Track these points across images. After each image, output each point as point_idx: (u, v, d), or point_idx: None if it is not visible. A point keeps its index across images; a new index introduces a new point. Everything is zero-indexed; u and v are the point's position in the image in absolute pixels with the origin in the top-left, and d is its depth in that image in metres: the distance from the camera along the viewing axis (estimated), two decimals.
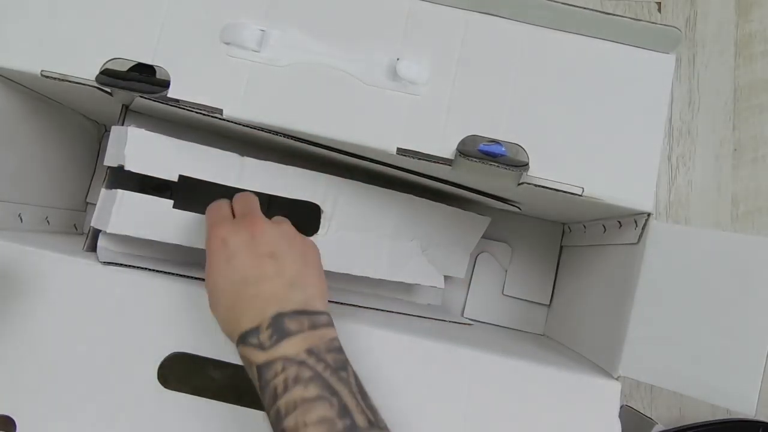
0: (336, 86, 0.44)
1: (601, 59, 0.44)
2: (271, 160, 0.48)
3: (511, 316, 0.64)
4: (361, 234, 0.52)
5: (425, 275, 0.56)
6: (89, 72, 0.43)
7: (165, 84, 0.43)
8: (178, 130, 0.50)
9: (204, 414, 0.40)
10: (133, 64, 0.43)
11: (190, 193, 0.47)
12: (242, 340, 0.34)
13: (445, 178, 0.49)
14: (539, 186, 0.43)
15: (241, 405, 0.40)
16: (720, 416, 0.66)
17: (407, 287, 0.62)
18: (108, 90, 0.43)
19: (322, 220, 0.50)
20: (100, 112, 0.57)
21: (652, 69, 0.44)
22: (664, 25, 0.42)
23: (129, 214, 0.45)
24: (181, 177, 0.46)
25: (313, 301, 0.36)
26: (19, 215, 0.51)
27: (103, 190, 0.47)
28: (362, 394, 0.33)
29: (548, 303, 0.61)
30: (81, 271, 0.42)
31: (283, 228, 0.40)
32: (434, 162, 0.43)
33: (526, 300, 0.64)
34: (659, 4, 0.85)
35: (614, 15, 0.43)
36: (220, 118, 0.44)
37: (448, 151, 0.43)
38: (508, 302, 0.64)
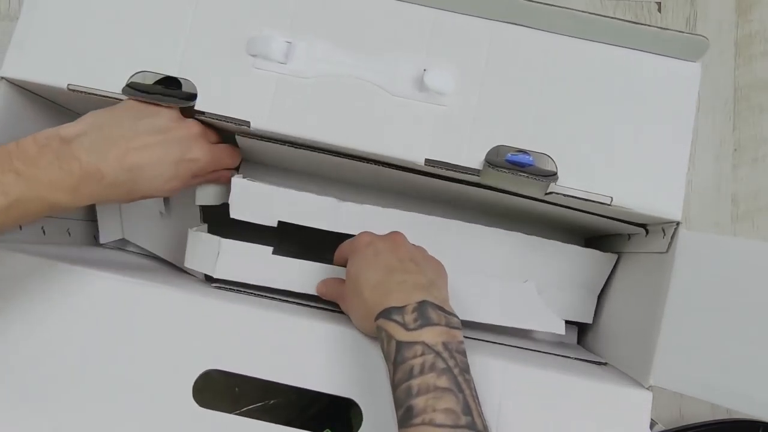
0: (363, 97, 0.43)
1: (627, 68, 0.44)
2: (373, 199, 0.50)
3: None
4: (464, 275, 0.49)
5: (543, 320, 0.51)
6: (115, 85, 0.43)
7: (191, 97, 0.43)
8: (284, 174, 0.54)
9: None
10: (159, 77, 0.43)
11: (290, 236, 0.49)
12: (386, 314, 0.38)
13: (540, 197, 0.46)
14: (567, 195, 0.43)
15: (277, 423, 0.39)
16: (720, 416, 0.65)
17: (526, 333, 0.56)
18: None
19: None
20: None
21: (678, 77, 0.44)
22: (692, 33, 0.42)
23: (232, 260, 0.47)
24: (280, 222, 0.48)
25: (447, 304, 0.40)
26: (42, 228, 0.51)
27: (191, 231, 0.49)
28: (478, 399, 0.36)
29: None
30: (108, 286, 0.41)
31: (420, 247, 0.45)
32: (462, 173, 0.43)
33: None
34: (659, 4, 0.86)
35: (640, 24, 0.43)
36: (277, 141, 0.45)
37: (475, 161, 0.43)
38: None
